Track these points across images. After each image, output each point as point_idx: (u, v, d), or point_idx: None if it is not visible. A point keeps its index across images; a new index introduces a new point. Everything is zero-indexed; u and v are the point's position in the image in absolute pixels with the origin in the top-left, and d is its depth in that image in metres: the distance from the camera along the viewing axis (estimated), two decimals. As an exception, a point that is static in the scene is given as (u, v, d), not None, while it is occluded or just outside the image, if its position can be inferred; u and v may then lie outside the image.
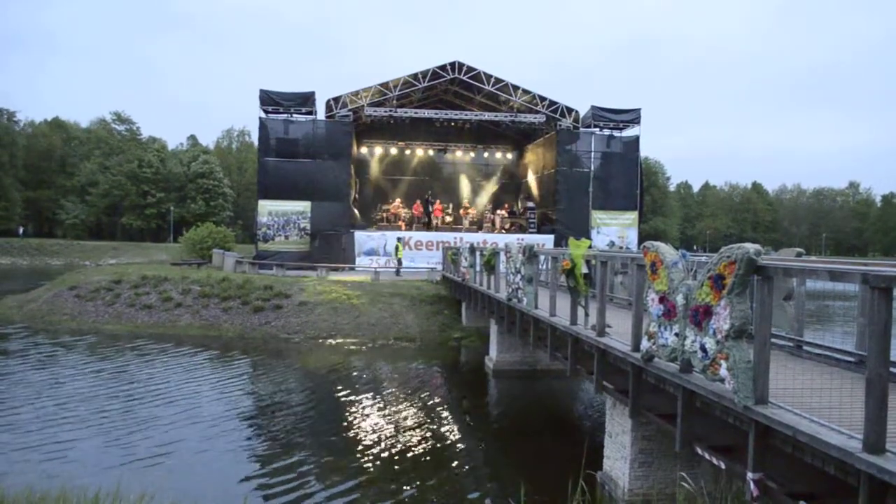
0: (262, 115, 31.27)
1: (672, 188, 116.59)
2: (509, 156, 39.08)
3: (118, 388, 14.60)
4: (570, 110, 33.34)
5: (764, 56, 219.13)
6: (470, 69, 32.67)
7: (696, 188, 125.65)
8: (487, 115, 33.58)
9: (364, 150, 36.95)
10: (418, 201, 34.91)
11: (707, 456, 6.00)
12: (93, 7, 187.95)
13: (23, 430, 11.21)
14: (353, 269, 30.21)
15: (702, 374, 5.59)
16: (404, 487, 9.14)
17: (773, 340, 6.74)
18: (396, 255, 30.31)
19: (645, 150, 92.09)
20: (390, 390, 15.24)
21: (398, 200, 34.86)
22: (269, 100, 30.95)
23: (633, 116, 33.14)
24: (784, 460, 5.00)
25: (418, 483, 9.33)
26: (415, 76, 32.50)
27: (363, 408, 13.64)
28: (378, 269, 29.06)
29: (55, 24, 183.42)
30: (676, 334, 6.00)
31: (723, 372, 5.18)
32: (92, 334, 21.74)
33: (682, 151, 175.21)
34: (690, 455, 6.64)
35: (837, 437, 4.23)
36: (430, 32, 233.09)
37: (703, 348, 5.49)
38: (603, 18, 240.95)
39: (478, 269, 17.25)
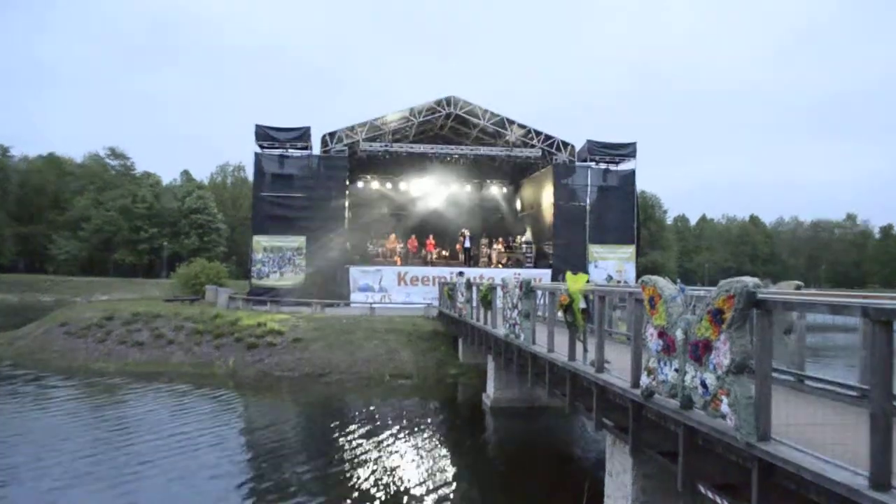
0: (258, 150, 31.44)
1: (669, 221, 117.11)
2: (505, 190, 39.29)
3: (103, 428, 14.41)
4: (565, 144, 33.62)
5: (767, 88, 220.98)
6: (465, 104, 33.03)
7: (693, 221, 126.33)
8: (483, 150, 33.83)
9: (359, 184, 37.10)
10: (462, 234, 34.99)
11: (710, 494, 5.92)
12: (90, 40, 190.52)
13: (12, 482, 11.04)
14: (348, 304, 30.12)
15: (703, 411, 5.55)
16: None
17: (775, 375, 6.71)
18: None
19: (641, 184, 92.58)
20: (386, 428, 15.07)
21: (393, 235, 34.91)
22: (265, 135, 31.16)
23: (629, 150, 33.42)
24: (788, 498, 4.93)
25: (415, 525, 9.17)
26: (410, 111, 32.84)
27: (359, 446, 13.47)
28: (373, 305, 28.98)
29: (53, 58, 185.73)
30: (676, 370, 5.97)
31: (724, 408, 5.14)
32: (81, 372, 21.55)
33: (678, 184, 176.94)
34: (693, 493, 6.55)
35: (842, 473, 4.19)
36: (429, 63, 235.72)
37: (703, 384, 5.46)
38: (607, 49, 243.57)
39: (474, 304, 17.21)
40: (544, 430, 15.71)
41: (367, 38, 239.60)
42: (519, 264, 33.90)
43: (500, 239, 36.07)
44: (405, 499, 10.22)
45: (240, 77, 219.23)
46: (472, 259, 34.03)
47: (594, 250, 32.93)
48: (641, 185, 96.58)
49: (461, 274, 27.75)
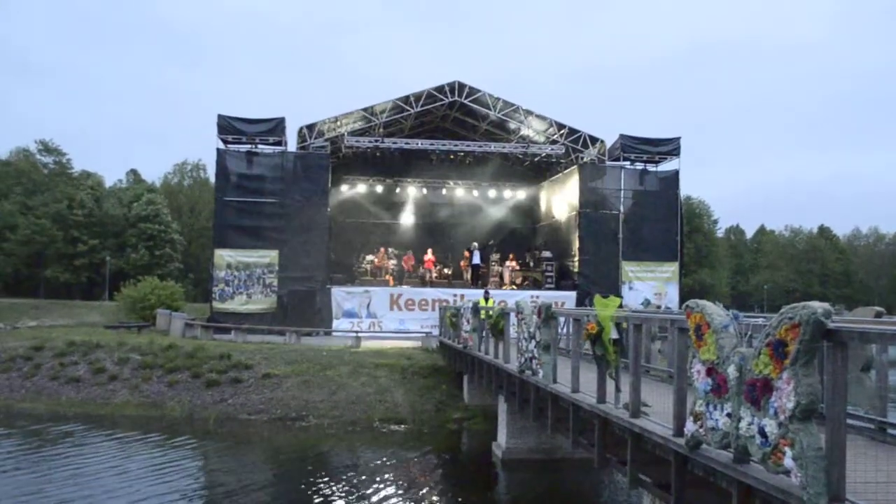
0: (221, 145, 31.56)
1: (720, 234, 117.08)
2: (520, 195, 39.36)
3: (21, 486, 14.29)
4: (594, 140, 33.73)
5: (857, 71, 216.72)
6: (473, 91, 33.19)
7: (749, 233, 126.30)
8: (494, 147, 33.95)
9: (344, 188, 37.19)
10: (468, 248, 34.92)
11: (771, 568, 5.89)
12: (12, 13, 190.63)
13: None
14: (329, 333, 30.09)
15: (761, 465, 5.52)
16: None
17: (850, 422, 6.69)
18: None
19: (686, 188, 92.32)
20: (376, 485, 15.02)
21: (384, 250, 34.96)
22: (230, 127, 31.25)
23: (671, 147, 33.51)
24: (867, 574, 4.90)
25: None
26: (406, 99, 32.96)
27: (341, 507, 13.44)
28: (360, 334, 28.97)
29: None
30: (728, 415, 5.95)
31: (787, 462, 5.12)
32: (2, 414, 21.55)
33: (732, 189, 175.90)
34: (750, 567, 6.52)
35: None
36: (429, 45, 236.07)
37: (761, 432, 5.43)
38: (645, 27, 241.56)
39: (483, 333, 17.20)
40: (568, 487, 15.65)
41: (355, 13, 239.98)
42: (537, 285, 33.93)
43: (512, 255, 36.02)
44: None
45: (200, 59, 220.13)
46: (480, 278, 34.03)
47: (629, 269, 32.94)
48: (686, 189, 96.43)
49: (487, 294, 27.45)
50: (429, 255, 34.79)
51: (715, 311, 6.39)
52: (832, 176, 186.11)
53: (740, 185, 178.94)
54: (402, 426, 21.20)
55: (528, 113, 33.67)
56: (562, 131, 33.65)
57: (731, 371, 5.86)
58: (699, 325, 6.51)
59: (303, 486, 15.03)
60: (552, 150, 33.32)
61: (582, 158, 33.42)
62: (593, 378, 9.80)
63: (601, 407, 9.38)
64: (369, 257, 34.68)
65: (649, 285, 32.95)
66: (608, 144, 33.93)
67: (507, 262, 35.16)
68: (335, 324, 30.75)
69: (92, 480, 14.70)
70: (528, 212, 40.06)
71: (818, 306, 5.01)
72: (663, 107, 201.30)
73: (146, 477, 15.20)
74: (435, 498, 14.30)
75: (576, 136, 33.65)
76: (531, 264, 36.20)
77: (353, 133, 32.60)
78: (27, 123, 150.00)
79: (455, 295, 30.43)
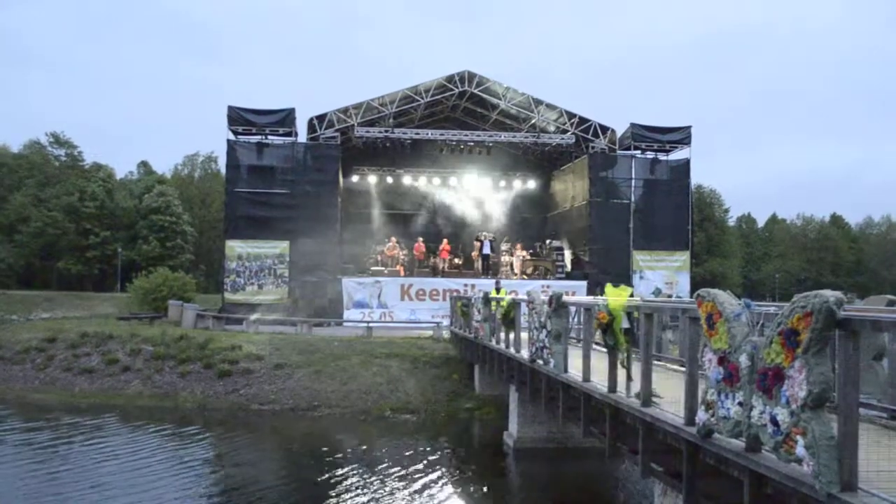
0: (231, 136, 31.60)
1: (731, 223, 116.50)
2: (531, 185, 39.28)
3: (34, 477, 14.40)
4: (604, 129, 33.63)
5: (861, 59, 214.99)
6: (482, 80, 33.14)
7: (760, 222, 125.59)
8: (504, 136, 33.87)
9: (354, 178, 37.23)
10: (478, 238, 34.88)
11: (783, 556, 5.89)
12: (21, 3, 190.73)
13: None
14: (340, 324, 30.16)
15: (773, 454, 5.52)
16: None
17: (862, 410, 6.67)
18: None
19: (697, 177, 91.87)
20: (387, 475, 15.07)
21: (394, 240, 34.94)
22: (240, 118, 31.31)
23: (682, 136, 33.37)
24: (880, 562, 4.89)
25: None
26: (415, 90, 32.94)
27: (353, 498, 13.48)
28: (371, 324, 29.01)
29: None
30: (740, 404, 5.94)
31: (799, 450, 5.11)
32: (16, 405, 21.72)
33: (742, 178, 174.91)
34: (762, 555, 6.51)
35: (946, 532, 4.16)
36: (441, 35, 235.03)
37: (773, 421, 5.43)
38: (660, 16, 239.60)
39: (494, 323, 17.21)
40: (579, 476, 15.66)
41: (370, 6, 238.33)
42: (548, 274, 33.84)
43: (519, 244, 35.92)
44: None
45: (212, 51, 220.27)
46: (490, 268, 34.03)
47: (639, 258, 32.87)
48: (697, 178, 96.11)
49: (498, 285, 27.35)
50: (444, 245, 34.73)
51: (727, 300, 6.38)
52: (844, 165, 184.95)
53: (751, 174, 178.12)
54: (414, 416, 21.26)
55: (539, 102, 33.58)
56: (572, 120, 33.56)
57: (743, 360, 5.86)
58: (711, 314, 6.49)
59: (314, 475, 15.09)
60: (562, 139, 33.23)
61: (592, 148, 33.32)
62: (604, 367, 9.80)
63: (612, 396, 9.38)
64: (380, 248, 34.68)
65: (660, 274, 32.90)
66: (619, 133, 33.85)
67: (518, 252, 35.09)
68: (346, 314, 30.82)
69: (119, 473, 14.81)
70: (539, 201, 39.96)
71: (830, 295, 4.99)
72: (675, 96, 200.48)
73: (158, 465, 15.32)
74: (447, 487, 14.34)
75: (586, 125, 33.55)
76: (542, 254, 36.13)
77: (362, 123, 32.55)
78: (37, 116, 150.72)
79: (466, 285, 30.42)
